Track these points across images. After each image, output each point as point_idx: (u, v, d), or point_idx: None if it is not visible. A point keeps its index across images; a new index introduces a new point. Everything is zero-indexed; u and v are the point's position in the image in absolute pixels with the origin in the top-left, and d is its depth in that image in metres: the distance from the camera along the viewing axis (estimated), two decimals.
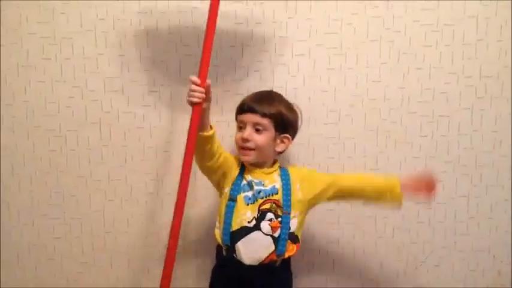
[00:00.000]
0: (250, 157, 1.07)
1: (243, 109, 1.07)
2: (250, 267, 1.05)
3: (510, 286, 1.35)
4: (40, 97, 1.26)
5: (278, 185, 1.08)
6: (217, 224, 1.10)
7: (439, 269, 1.34)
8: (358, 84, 1.27)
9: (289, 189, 1.08)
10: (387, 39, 1.26)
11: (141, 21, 1.24)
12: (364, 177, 1.16)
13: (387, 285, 1.35)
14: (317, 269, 1.35)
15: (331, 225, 1.34)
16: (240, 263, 1.05)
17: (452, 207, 1.31)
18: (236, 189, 1.06)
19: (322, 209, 1.29)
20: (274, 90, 1.22)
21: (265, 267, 1.05)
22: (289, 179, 1.09)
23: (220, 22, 1.01)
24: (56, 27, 1.23)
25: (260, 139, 1.06)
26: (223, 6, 1.02)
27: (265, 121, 1.06)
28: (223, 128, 1.21)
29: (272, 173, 1.11)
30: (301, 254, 1.33)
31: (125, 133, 1.28)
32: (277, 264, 1.07)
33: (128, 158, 1.29)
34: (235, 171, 1.10)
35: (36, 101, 1.26)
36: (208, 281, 1.14)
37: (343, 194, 1.12)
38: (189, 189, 1.02)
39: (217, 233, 1.09)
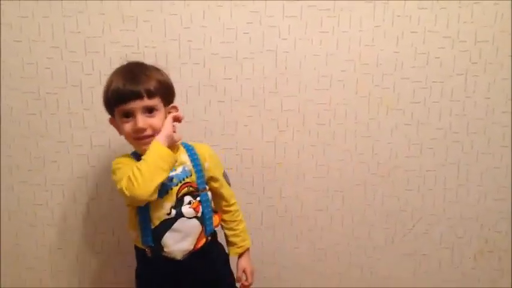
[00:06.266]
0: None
1: (123, 98, 1.01)
2: (184, 260, 1.08)
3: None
4: (17, 57, 1.31)
5: (188, 166, 1.09)
6: (129, 226, 1.11)
7: (427, 236, 1.49)
8: (351, 48, 1.35)
9: (200, 166, 1.11)
10: (382, 1, 1.33)
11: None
12: (230, 221, 1.21)
13: (375, 252, 1.50)
14: (305, 237, 1.49)
15: (320, 192, 1.46)
16: (171, 259, 1.08)
17: (442, 174, 1.45)
18: None
19: (310, 177, 1.41)
20: (261, 53, 1.32)
21: (199, 252, 1.10)
22: (197, 157, 1.11)
23: None
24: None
25: (156, 121, 1.03)
26: None
27: (156, 101, 1.03)
28: None
29: (177, 152, 1.09)
30: (290, 221, 1.47)
31: None
32: (208, 242, 1.13)
33: None
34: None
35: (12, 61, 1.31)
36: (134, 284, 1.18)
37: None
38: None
39: (134, 235, 1.11)
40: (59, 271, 1.47)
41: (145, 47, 1.34)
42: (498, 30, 1.36)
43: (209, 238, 1.13)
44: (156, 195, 0.99)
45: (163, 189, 1.04)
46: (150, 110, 1.03)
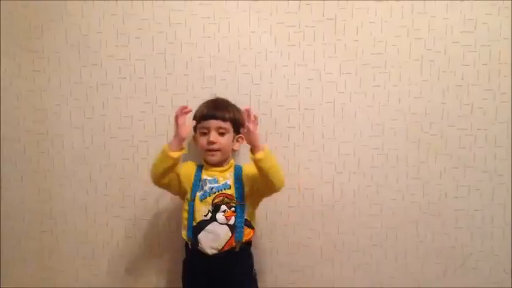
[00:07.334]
0: (216, 157, 1.39)
1: (205, 117, 1.39)
2: (214, 255, 1.35)
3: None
4: (116, 112, 1.58)
5: (230, 181, 1.39)
6: (183, 222, 1.41)
7: (476, 271, 1.61)
8: (401, 100, 1.54)
9: (241, 183, 1.39)
10: (428, 59, 1.52)
11: (205, 45, 1.53)
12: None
13: (428, 286, 1.62)
14: (362, 270, 1.64)
15: (374, 229, 1.62)
16: (204, 253, 1.35)
17: (489, 213, 1.59)
18: (194, 189, 1.38)
19: (365, 214, 1.57)
20: (321, 105, 1.55)
21: (226, 253, 1.35)
22: (241, 175, 1.40)
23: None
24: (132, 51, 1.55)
25: (224, 140, 1.39)
26: None
27: (227, 125, 1.39)
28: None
29: (226, 171, 1.41)
30: (347, 255, 1.63)
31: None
32: (237, 249, 1.37)
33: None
34: (192, 176, 1.40)
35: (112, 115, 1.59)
36: (181, 274, 1.47)
37: (256, 181, 1.36)
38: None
39: (183, 230, 1.40)
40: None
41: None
42: None
43: (238, 245, 1.37)
44: (161, 182, 1.37)
45: (204, 194, 1.36)
46: (221, 131, 1.38)
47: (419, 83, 1.55)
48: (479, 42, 1.52)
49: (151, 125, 1.59)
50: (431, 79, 1.55)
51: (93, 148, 1.61)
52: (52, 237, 1.67)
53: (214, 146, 1.37)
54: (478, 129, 1.55)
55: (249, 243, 1.43)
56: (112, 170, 1.62)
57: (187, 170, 1.42)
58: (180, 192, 1.42)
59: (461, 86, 1.54)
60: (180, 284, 1.46)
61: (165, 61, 1.56)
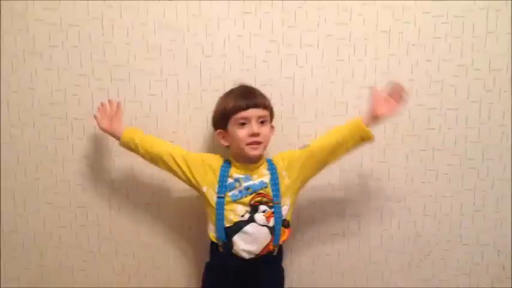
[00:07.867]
0: (258, 151, 1.22)
1: (243, 106, 1.20)
2: (250, 260, 1.22)
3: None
4: (46, 85, 1.39)
5: (266, 178, 1.24)
6: (209, 223, 1.27)
7: (444, 261, 1.52)
8: (367, 76, 1.40)
9: (277, 180, 1.24)
10: (397, 31, 1.39)
11: (149, 9, 1.35)
12: (331, 133, 1.28)
13: (392, 277, 1.53)
14: (322, 261, 1.53)
15: (336, 217, 1.48)
16: (238, 258, 1.22)
17: (458, 200, 1.49)
18: (222, 186, 1.22)
19: (327, 200, 1.46)
20: (279, 80, 1.41)
21: (263, 258, 1.23)
22: (276, 171, 1.25)
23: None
24: (63, 14, 1.35)
25: (266, 130, 1.23)
26: None
27: (267, 112, 1.24)
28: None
29: (260, 166, 1.25)
30: (307, 245, 1.51)
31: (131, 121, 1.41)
32: (274, 253, 1.26)
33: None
34: (216, 170, 1.24)
35: (42, 88, 1.40)
36: (201, 277, 1.33)
37: (323, 157, 1.26)
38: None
39: (210, 230, 1.26)
40: None
41: (168, 75, 1.40)
42: None
43: (276, 249, 1.25)
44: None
45: (238, 195, 1.21)
46: (262, 120, 1.22)
47: (387, 57, 1.42)
48: (452, 12, 1.39)
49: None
50: (400, 53, 1.41)
51: None
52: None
53: (259, 138, 1.20)
54: (448, 108, 1.44)
55: (281, 245, 1.30)
56: None
57: (209, 161, 1.26)
58: (190, 182, 1.26)
59: (431, 61, 1.41)
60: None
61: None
